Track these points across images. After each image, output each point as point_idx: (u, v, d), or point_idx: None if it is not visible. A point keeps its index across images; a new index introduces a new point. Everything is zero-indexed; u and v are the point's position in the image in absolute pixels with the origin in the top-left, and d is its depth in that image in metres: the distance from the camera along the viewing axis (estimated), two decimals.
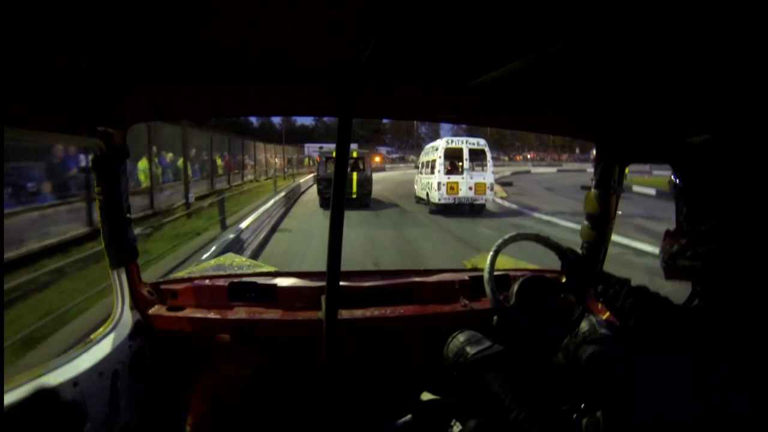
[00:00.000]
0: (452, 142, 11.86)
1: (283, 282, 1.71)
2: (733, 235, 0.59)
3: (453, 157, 11.92)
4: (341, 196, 1.24)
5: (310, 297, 1.63)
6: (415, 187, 14.29)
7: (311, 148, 40.28)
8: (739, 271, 0.60)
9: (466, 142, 11.76)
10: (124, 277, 1.41)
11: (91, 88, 1.07)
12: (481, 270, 1.58)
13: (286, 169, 27.60)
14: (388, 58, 1.00)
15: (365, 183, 12.77)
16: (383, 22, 0.71)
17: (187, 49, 0.98)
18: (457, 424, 1.25)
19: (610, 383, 1.09)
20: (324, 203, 12.70)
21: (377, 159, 14.83)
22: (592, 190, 1.63)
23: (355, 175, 12.63)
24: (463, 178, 11.56)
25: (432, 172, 12.08)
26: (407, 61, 1.07)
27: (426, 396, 1.39)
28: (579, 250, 1.69)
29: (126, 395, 1.31)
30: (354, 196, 12.50)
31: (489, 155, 11.84)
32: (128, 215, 1.38)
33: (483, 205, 11.90)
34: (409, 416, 1.52)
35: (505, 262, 2.17)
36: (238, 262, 2.36)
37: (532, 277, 1.40)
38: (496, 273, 1.40)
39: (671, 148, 1.30)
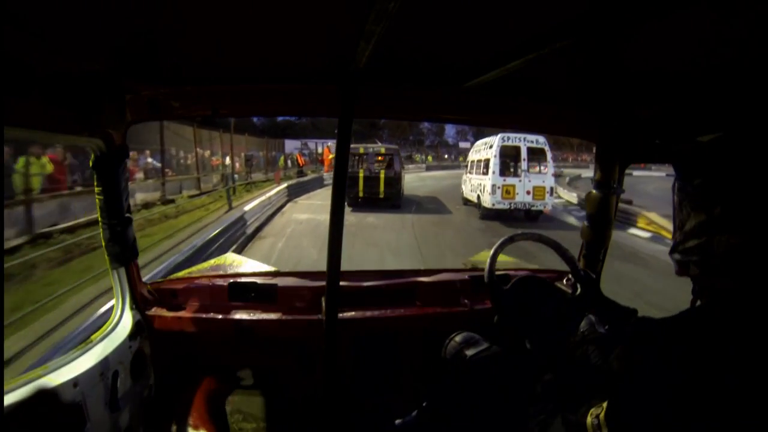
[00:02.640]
0: (508, 139, 10.33)
1: (283, 282, 1.71)
2: (745, 242, 0.60)
3: (509, 157, 10.60)
4: (341, 195, 1.24)
5: (310, 297, 1.63)
6: (463, 188, 13.06)
7: (293, 145, 30.34)
8: (749, 278, 0.60)
9: (524, 139, 10.20)
10: (124, 277, 1.41)
11: (92, 87, 1.07)
12: (481, 270, 1.57)
13: (235, 177, 14.99)
14: (389, 58, 1.00)
15: (394, 182, 11.86)
16: (383, 23, 0.71)
17: (187, 50, 0.98)
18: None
19: (609, 382, 1.09)
20: (350, 202, 11.71)
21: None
22: (593, 190, 1.63)
23: (382, 173, 11.80)
24: (520, 181, 10.09)
25: (485, 173, 10.65)
26: (407, 62, 1.07)
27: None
28: (580, 252, 1.69)
29: (126, 395, 1.31)
30: (381, 195, 11.75)
31: (549, 155, 10.35)
32: (128, 215, 1.38)
33: (540, 212, 10.44)
34: (409, 416, 1.52)
35: (505, 262, 2.17)
36: (238, 263, 2.36)
37: (528, 277, 1.40)
38: (496, 273, 1.40)
39: (673, 147, 1.30)
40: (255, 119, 28.02)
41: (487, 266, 1.37)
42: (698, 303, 0.69)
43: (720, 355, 0.58)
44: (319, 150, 26.97)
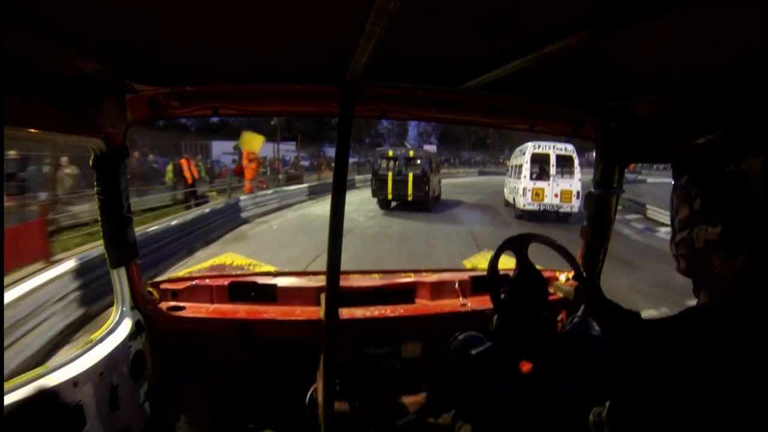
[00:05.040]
0: (539, 147, 11.49)
1: (283, 282, 1.71)
2: (722, 233, 0.60)
3: (540, 163, 11.66)
4: (341, 195, 1.24)
5: (310, 297, 1.63)
6: (505, 190, 14.09)
7: (223, 148, 22.13)
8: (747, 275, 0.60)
9: (554, 147, 11.40)
10: (124, 276, 1.41)
11: (92, 87, 1.07)
12: (481, 270, 1.57)
13: None
14: (388, 58, 1.00)
15: (422, 184, 11.96)
16: (383, 23, 0.71)
17: (188, 50, 0.98)
18: None
19: (610, 382, 1.10)
20: (382, 204, 12.23)
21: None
22: (593, 190, 1.63)
23: (411, 175, 11.92)
24: (548, 185, 11.15)
25: (519, 177, 11.84)
26: (407, 62, 1.07)
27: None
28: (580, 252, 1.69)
29: (126, 395, 1.31)
30: (410, 198, 11.88)
31: (577, 161, 11.48)
32: (128, 215, 1.38)
33: (569, 214, 11.21)
34: (409, 416, 1.52)
35: (505, 262, 2.17)
36: (238, 262, 2.36)
37: (528, 277, 1.40)
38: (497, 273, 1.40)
39: (673, 147, 1.30)
40: (183, 118, 20.72)
41: (489, 267, 1.37)
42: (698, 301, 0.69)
43: (716, 355, 0.58)
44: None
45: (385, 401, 1.62)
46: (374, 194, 12.23)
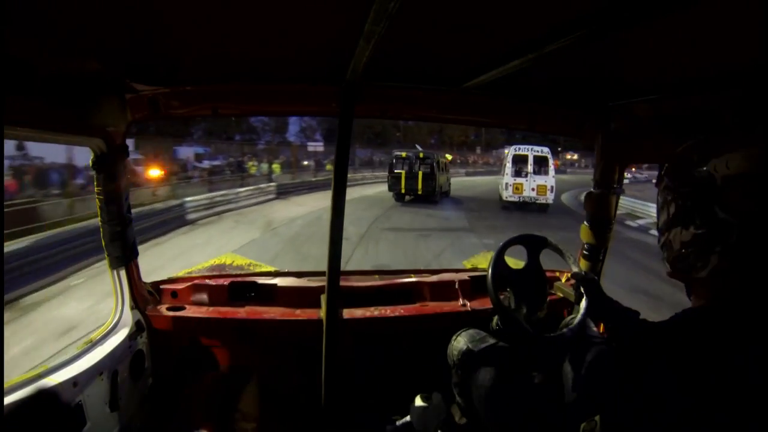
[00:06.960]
0: (519, 149, 14.18)
1: (283, 282, 1.70)
2: (693, 236, 0.61)
3: (520, 162, 14.15)
4: (342, 195, 1.24)
5: (310, 297, 1.62)
6: (499, 187, 16.38)
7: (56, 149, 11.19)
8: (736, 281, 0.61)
9: (531, 149, 14.10)
10: (124, 276, 1.41)
11: (92, 87, 1.07)
12: (481, 270, 1.57)
13: None
14: (388, 58, 1.00)
15: (430, 180, 14.54)
16: (383, 23, 0.71)
17: (188, 50, 0.98)
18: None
19: (600, 385, 1.10)
20: (397, 197, 14.79)
21: (157, 173, 10.45)
22: (593, 190, 1.63)
23: (420, 173, 14.51)
24: (527, 180, 13.74)
25: (502, 174, 14.57)
26: (407, 62, 1.07)
27: (418, 402, 1.41)
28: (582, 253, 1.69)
29: (126, 395, 1.31)
30: (420, 192, 14.55)
31: (551, 162, 14.09)
32: (128, 215, 1.38)
33: (548, 205, 13.73)
34: (408, 417, 1.52)
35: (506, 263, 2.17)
36: (238, 262, 2.36)
37: (528, 278, 1.40)
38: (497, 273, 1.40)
39: (665, 148, 1.30)
40: None
41: (489, 267, 1.37)
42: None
43: (713, 361, 0.58)
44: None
45: (385, 401, 1.62)
46: (390, 188, 14.88)
